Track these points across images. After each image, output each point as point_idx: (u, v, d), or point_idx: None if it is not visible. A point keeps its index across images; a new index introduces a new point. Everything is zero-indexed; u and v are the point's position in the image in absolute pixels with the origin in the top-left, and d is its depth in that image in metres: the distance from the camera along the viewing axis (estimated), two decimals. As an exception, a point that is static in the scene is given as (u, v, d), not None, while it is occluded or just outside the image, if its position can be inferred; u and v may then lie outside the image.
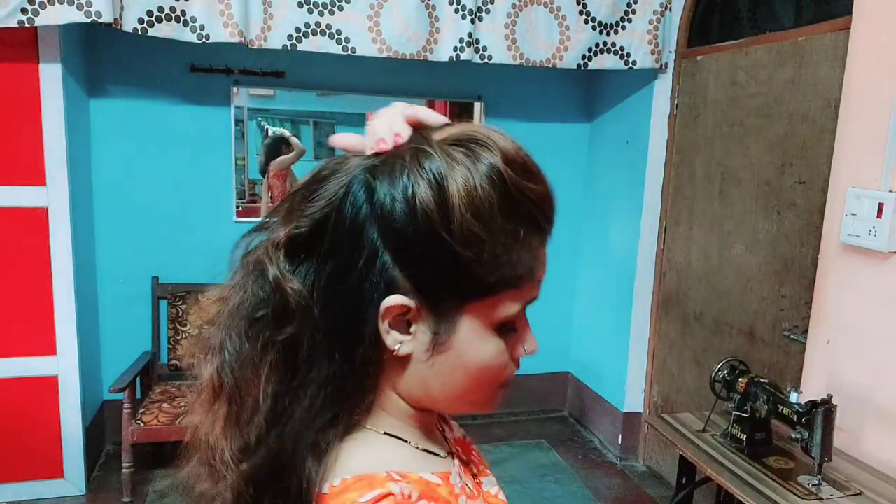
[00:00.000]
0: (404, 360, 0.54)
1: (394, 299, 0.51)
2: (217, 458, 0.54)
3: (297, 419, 0.52)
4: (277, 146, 3.44)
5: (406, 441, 0.57)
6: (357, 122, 3.53)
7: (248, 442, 0.54)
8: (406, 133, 0.53)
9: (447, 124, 0.55)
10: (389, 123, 0.53)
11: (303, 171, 3.52)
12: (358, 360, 0.52)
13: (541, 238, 0.54)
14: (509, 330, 0.55)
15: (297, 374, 0.52)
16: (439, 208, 0.49)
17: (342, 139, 0.55)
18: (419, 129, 0.54)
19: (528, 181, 0.51)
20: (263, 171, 3.43)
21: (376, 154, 0.52)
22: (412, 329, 0.52)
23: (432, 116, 0.55)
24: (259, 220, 0.56)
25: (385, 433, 0.56)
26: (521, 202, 0.51)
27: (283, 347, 0.52)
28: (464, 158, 0.50)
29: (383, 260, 0.50)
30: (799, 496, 1.64)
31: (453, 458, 0.61)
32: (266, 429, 0.53)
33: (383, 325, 0.52)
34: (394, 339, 0.52)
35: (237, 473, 0.53)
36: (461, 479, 0.59)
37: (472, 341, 0.53)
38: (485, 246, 0.50)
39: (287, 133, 3.42)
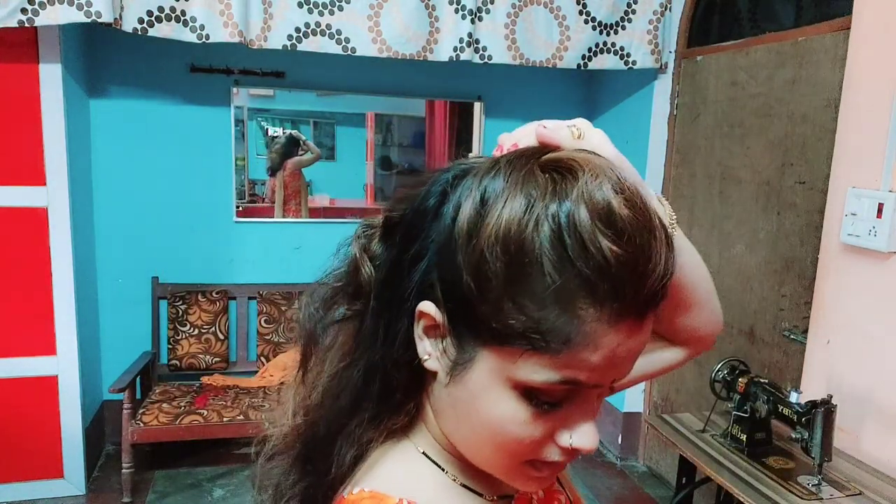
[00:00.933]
0: (433, 380, 0.51)
1: (425, 305, 0.47)
2: (280, 410, 0.58)
3: (342, 399, 0.53)
4: (291, 146, 3.46)
5: (443, 470, 0.53)
6: (357, 122, 3.53)
7: (307, 398, 0.56)
8: (522, 144, 0.49)
9: (579, 149, 0.48)
10: (519, 133, 0.50)
11: (311, 171, 3.53)
12: (394, 357, 0.50)
13: (603, 310, 0.42)
14: (545, 402, 0.46)
15: (354, 356, 0.53)
16: (469, 227, 0.44)
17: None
18: (544, 146, 0.48)
19: (605, 237, 0.41)
20: (276, 169, 3.44)
21: (491, 159, 0.49)
22: (441, 346, 0.48)
23: (569, 141, 0.49)
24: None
25: (423, 453, 0.53)
26: (580, 258, 0.41)
27: (350, 322, 0.54)
28: (539, 184, 0.43)
29: (429, 261, 0.48)
30: (799, 496, 1.64)
31: (510, 501, 0.56)
32: (320, 396, 0.55)
33: (418, 330, 0.49)
34: (423, 349, 0.49)
35: (292, 427, 0.56)
36: None
37: (487, 388, 0.46)
38: (494, 284, 0.43)
39: (303, 136, 3.46)
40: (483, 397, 0.46)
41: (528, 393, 0.45)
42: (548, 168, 0.44)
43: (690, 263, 0.58)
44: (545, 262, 0.41)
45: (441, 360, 0.48)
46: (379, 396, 0.51)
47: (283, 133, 3.45)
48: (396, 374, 0.51)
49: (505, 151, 0.49)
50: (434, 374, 0.50)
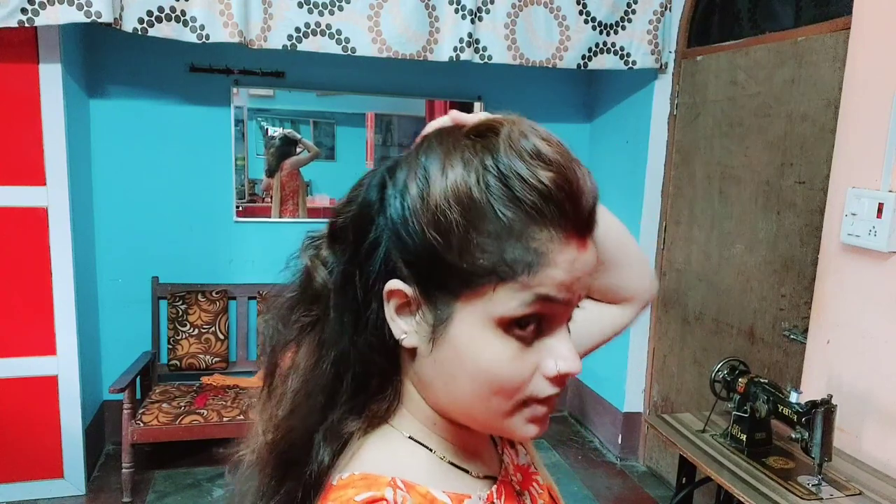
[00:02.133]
0: (413, 355, 0.53)
1: (393, 283, 0.50)
2: (252, 431, 0.58)
3: (314, 399, 0.54)
4: (287, 146, 3.46)
5: (430, 450, 0.55)
6: (357, 122, 3.53)
7: (274, 414, 0.56)
8: (431, 127, 0.55)
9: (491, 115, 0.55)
10: (436, 123, 0.55)
11: (312, 171, 3.53)
12: (367, 345, 0.52)
13: (553, 230, 0.48)
14: (525, 333, 0.50)
15: (320, 356, 0.54)
16: (421, 198, 0.49)
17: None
18: (458, 124, 0.54)
19: (540, 168, 0.48)
20: (274, 170, 3.44)
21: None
22: (416, 319, 0.51)
23: (475, 117, 0.54)
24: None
25: (410, 437, 0.54)
26: (524, 191, 0.47)
27: (311, 329, 0.55)
28: (470, 147, 0.49)
29: (386, 246, 0.51)
30: (799, 496, 1.64)
31: (494, 482, 0.58)
32: (290, 404, 0.55)
33: (389, 312, 0.51)
34: (398, 328, 0.52)
35: (263, 444, 0.56)
36: None
37: (471, 337, 0.49)
38: (456, 232, 0.47)
39: (298, 135, 3.45)
40: (469, 347, 0.49)
41: (509, 327, 0.49)
42: (471, 135, 0.50)
43: (614, 227, 0.69)
44: (496, 205, 0.47)
45: (419, 330, 0.51)
46: (354, 386, 0.53)
47: (279, 133, 3.44)
48: (372, 359, 0.53)
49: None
50: (412, 353, 0.53)
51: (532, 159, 0.48)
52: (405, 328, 0.51)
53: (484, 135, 0.50)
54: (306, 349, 0.55)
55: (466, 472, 0.56)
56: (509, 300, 0.48)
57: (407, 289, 0.50)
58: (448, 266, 0.48)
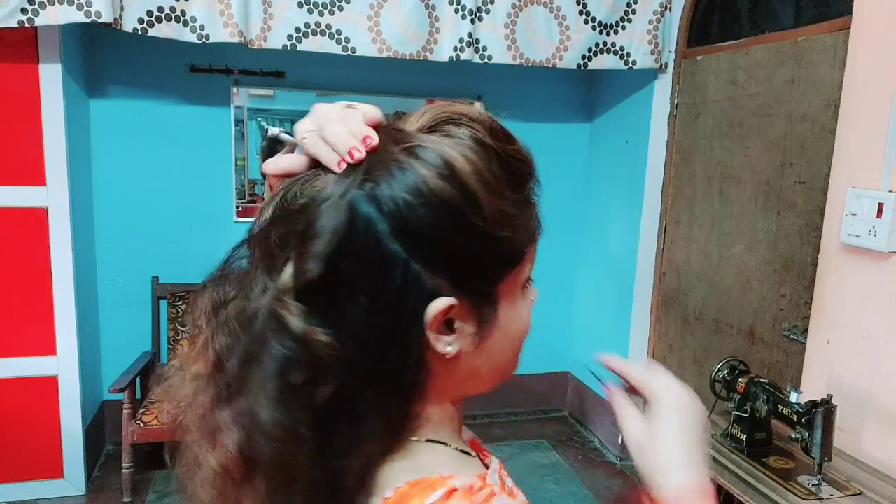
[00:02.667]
0: (453, 360, 0.51)
1: (438, 304, 0.48)
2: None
3: (348, 474, 0.49)
4: (274, 146, 3.44)
5: (446, 444, 0.54)
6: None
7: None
8: (373, 134, 0.49)
9: (407, 114, 0.53)
10: (349, 129, 0.49)
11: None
12: (407, 388, 0.50)
13: (534, 190, 0.55)
14: (527, 285, 0.57)
15: (342, 429, 0.48)
16: (461, 195, 0.47)
17: (277, 165, 0.53)
18: (381, 127, 0.51)
19: (510, 143, 0.52)
20: (264, 172, 3.42)
21: (352, 166, 0.48)
22: (456, 326, 0.50)
23: (376, 110, 0.52)
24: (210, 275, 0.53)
25: (427, 440, 0.53)
26: (514, 165, 0.52)
27: (324, 405, 0.48)
28: (452, 141, 0.49)
29: (415, 270, 0.47)
30: (799, 496, 1.64)
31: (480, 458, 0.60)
32: (315, 493, 0.49)
33: (432, 335, 0.49)
34: (443, 344, 0.49)
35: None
36: (499, 477, 0.57)
37: (513, 310, 0.54)
38: (512, 219, 0.50)
39: (278, 131, 3.40)
40: (513, 320, 0.54)
41: (525, 284, 0.55)
42: (437, 126, 0.51)
43: None
44: (508, 181, 0.51)
45: (461, 335, 0.51)
46: (387, 439, 0.50)
47: (268, 135, 3.40)
48: (409, 404, 0.51)
49: (364, 150, 0.48)
50: (449, 363, 0.51)
51: (504, 136, 0.52)
52: (448, 341, 0.50)
53: (447, 129, 0.50)
54: (322, 429, 0.48)
55: (469, 454, 0.57)
56: (530, 261, 0.54)
57: (453, 300, 0.48)
58: (493, 250, 0.50)
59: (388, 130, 0.50)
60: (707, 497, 0.53)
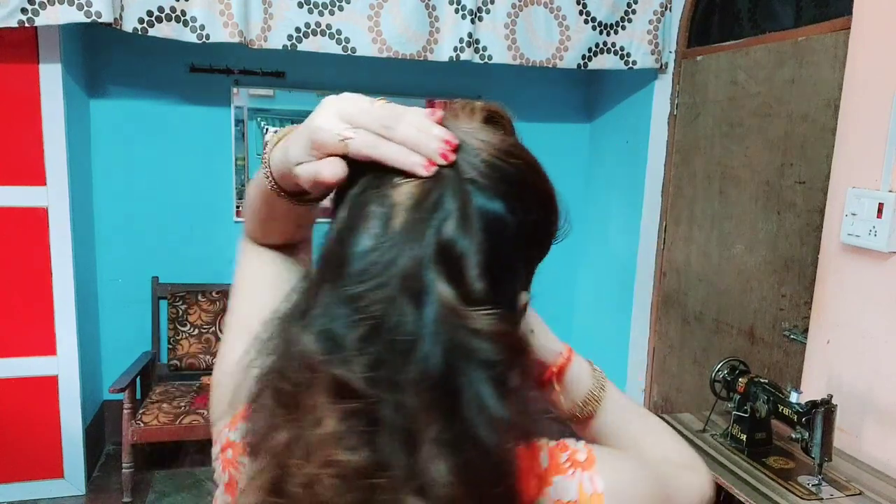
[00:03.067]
0: None
1: (524, 297, 0.53)
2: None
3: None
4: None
5: None
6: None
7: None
8: (451, 134, 0.48)
9: (451, 109, 0.54)
10: (420, 128, 0.47)
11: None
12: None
13: None
14: None
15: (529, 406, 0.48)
16: (549, 189, 0.52)
17: (319, 171, 0.47)
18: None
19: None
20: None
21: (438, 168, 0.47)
22: None
23: (418, 109, 0.51)
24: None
25: None
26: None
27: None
28: (515, 139, 0.53)
29: (521, 262, 0.51)
30: (799, 496, 1.64)
31: None
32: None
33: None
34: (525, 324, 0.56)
35: None
36: None
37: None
38: (557, 209, 0.54)
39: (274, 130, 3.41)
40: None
41: None
42: (491, 120, 0.53)
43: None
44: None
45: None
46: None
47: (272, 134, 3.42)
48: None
49: (451, 154, 0.47)
50: None
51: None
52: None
53: (498, 127, 0.53)
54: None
55: None
56: None
57: (528, 297, 0.53)
58: (550, 241, 0.54)
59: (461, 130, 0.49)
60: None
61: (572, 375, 0.67)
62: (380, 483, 0.42)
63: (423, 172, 0.46)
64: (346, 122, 0.47)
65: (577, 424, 0.69)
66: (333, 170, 0.47)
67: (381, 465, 0.42)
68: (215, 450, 0.59)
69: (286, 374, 0.45)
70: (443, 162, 0.46)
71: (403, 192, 0.46)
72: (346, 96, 0.49)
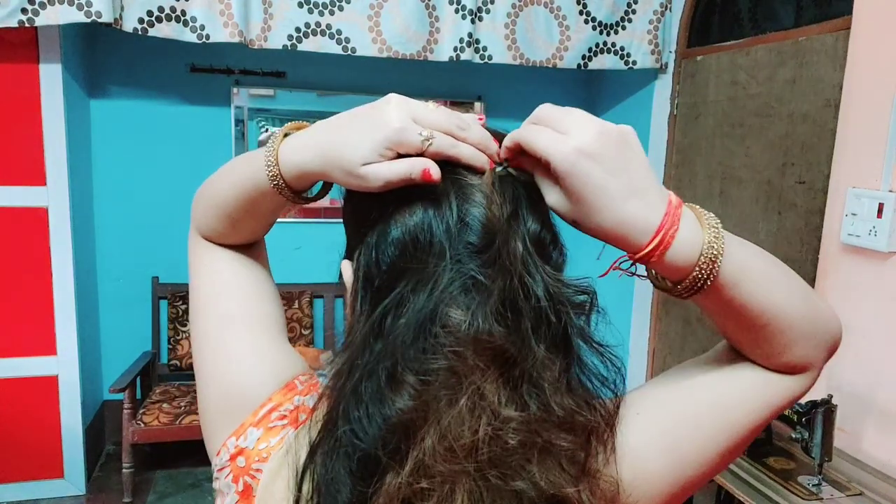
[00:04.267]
0: None
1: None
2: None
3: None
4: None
5: None
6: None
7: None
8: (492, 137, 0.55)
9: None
10: (483, 132, 0.54)
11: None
12: None
13: None
14: None
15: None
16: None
17: (398, 171, 0.49)
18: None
19: None
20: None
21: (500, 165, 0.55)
22: None
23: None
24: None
25: None
26: None
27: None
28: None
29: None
30: (799, 496, 1.64)
31: None
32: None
33: None
34: None
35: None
36: None
37: None
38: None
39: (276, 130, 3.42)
40: None
41: None
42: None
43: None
44: None
45: None
46: None
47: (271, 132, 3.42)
48: None
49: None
50: None
51: None
52: None
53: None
54: None
55: None
56: None
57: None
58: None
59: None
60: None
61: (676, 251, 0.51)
62: (534, 427, 0.47)
63: (485, 168, 0.52)
64: (419, 123, 0.50)
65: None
66: (436, 170, 0.49)
67: (535, 414, 0.48)
68: (221, 460, 0.57)
69: (439, 350, 0.48)
70: (497, 160, 0.53)
71: (486, 186, 0.52)
72: (405, 99, 0.51)
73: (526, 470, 0.47)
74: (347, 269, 0.56)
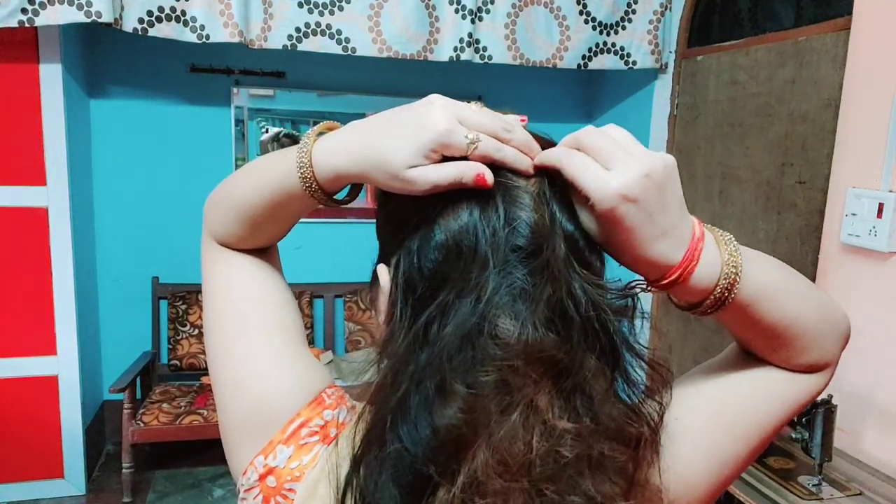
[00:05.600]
0: None
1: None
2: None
3: None
4: (282, 145, 3.44)
5: None
6: (357, 122, 3.52)
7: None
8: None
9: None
10: (527, 135, 0.53)
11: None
12: None
13: None
14: None
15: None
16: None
17: (446, 175, 0.49)
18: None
19: None
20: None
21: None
22: None
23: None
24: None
25: None
26: None
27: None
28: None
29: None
30: (799, 496, 1.64)
31: None
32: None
33: None
34: None
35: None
36: None
37: None
38: None
39: (283, 131, 3.41)
40: None
41: None
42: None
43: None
44: None
45: None
46: None
47: (272, 132, 3.39)
48: None
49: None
50: None
51: None
52: None
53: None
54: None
55: None
56: None
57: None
58: None
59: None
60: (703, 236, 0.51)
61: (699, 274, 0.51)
62: (588, 439, 0.46)
63: (530, 171, 0.51)
64: (464, 125, 0.49)
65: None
66: (490, 175, 0.49)
67: (588, 426, 0.47)
68: (248, 480, 0.55)
69: (490, 361, 0.46)
70: (537, 162, 0.51)
71: (531, 189, 0.51)
72: (449, 100, 0.50)
73: (580, 484, 0.46)
74: (385, 273, 0.54)
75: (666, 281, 0.50)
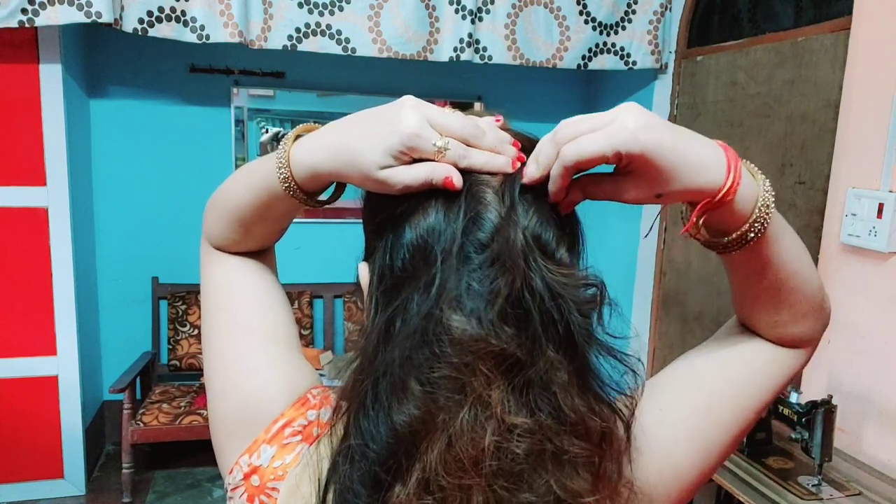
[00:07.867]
0: None
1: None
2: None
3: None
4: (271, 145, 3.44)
5: None
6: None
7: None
8: (511, 137, 0.54)
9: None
10: (502, 137, 0.53)
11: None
12: None
13: None
14: None
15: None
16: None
17: (416, 176, 0.49)
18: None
19: None
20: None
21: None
22: None
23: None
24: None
25: None
26: None
27: None
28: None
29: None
30: (799, 496, 1.64)
31: None
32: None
33: None
34: None
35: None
36: None
37: None
38: None
39: (285, 131, 3.41)
40: None
41: None
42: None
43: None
44: None
45: None
46: None
47: (271, 132, 3.40)
48: None
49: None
50: None
51: None
52: None
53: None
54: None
55: None
56: None
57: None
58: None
59: None
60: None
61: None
62: (548, 435, 0.46)
63: (508, 170, 0.51)
64: (434, 127, 0.49)
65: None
66: (459, 178, 0.49)
67: (544, 420, 0.46)
68: (234, 479, 0.55)
69: (442, 358, 0.46)
70: (518, 164, 0.51)
71: (495, 184, 0.50)
72: (420, 102, 0.51)
73: (536, 480, 0.46)
74: (364, 271, 0.55)
75: (726, 186, 0.48)
